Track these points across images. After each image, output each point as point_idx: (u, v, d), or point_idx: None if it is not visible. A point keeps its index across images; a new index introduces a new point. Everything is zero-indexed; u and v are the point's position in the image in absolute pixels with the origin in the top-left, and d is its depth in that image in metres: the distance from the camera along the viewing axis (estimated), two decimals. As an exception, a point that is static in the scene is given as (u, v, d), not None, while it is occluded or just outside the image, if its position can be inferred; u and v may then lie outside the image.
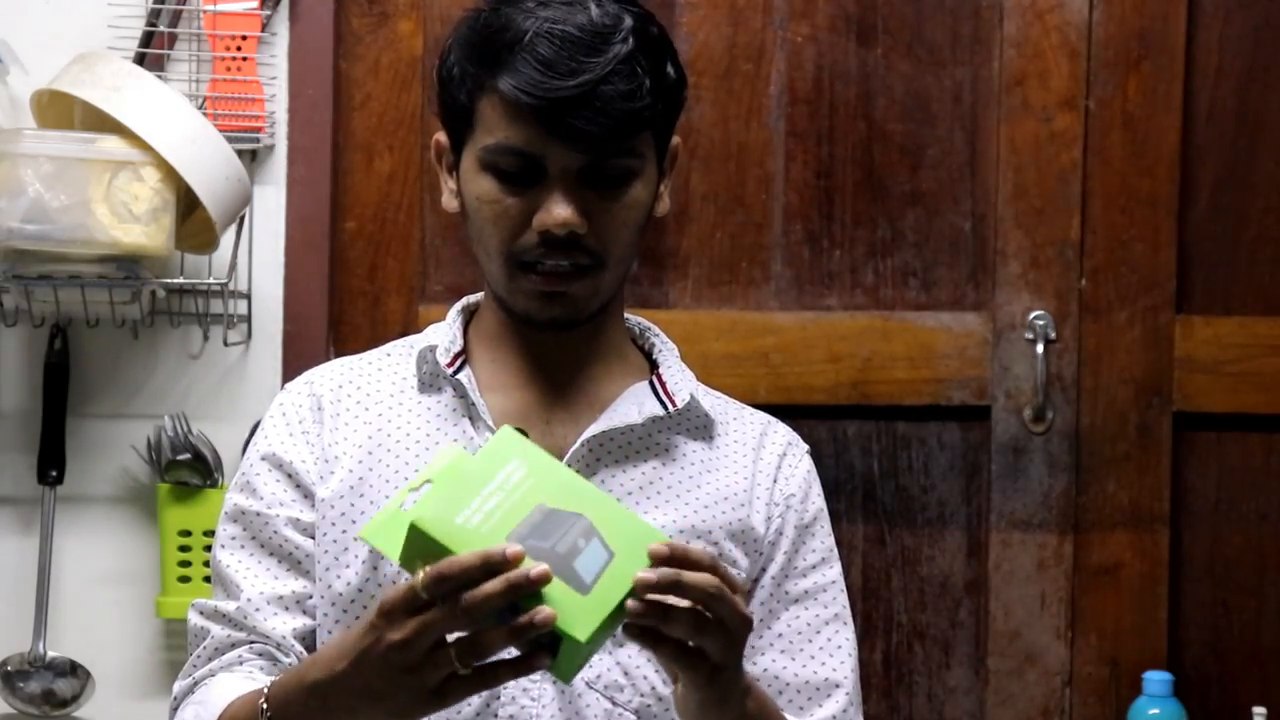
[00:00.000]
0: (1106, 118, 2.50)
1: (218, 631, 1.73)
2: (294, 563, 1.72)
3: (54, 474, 2.40)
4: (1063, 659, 2.51)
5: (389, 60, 2.49)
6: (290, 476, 1.74)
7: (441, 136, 1.76)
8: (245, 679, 1.68)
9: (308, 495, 1.73)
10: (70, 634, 2.43)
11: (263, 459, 1.76)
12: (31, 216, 2.19)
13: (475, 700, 1.66)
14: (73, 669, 2.40)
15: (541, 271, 1.68)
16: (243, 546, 1.74)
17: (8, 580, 2.44)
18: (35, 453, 2.41)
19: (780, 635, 1.78)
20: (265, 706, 1.55)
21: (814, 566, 1.80)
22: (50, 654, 2.39)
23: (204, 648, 1.73)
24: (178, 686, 1.74)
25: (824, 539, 1.83)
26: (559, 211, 1.65)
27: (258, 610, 1.71)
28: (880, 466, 2.53)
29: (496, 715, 1.66)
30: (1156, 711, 2.36)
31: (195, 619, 1.75)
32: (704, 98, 2.49)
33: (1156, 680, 2.37)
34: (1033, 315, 2.50)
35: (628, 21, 1.65)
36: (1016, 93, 2.50)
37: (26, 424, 2.42)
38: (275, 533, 1.73)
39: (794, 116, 2.52)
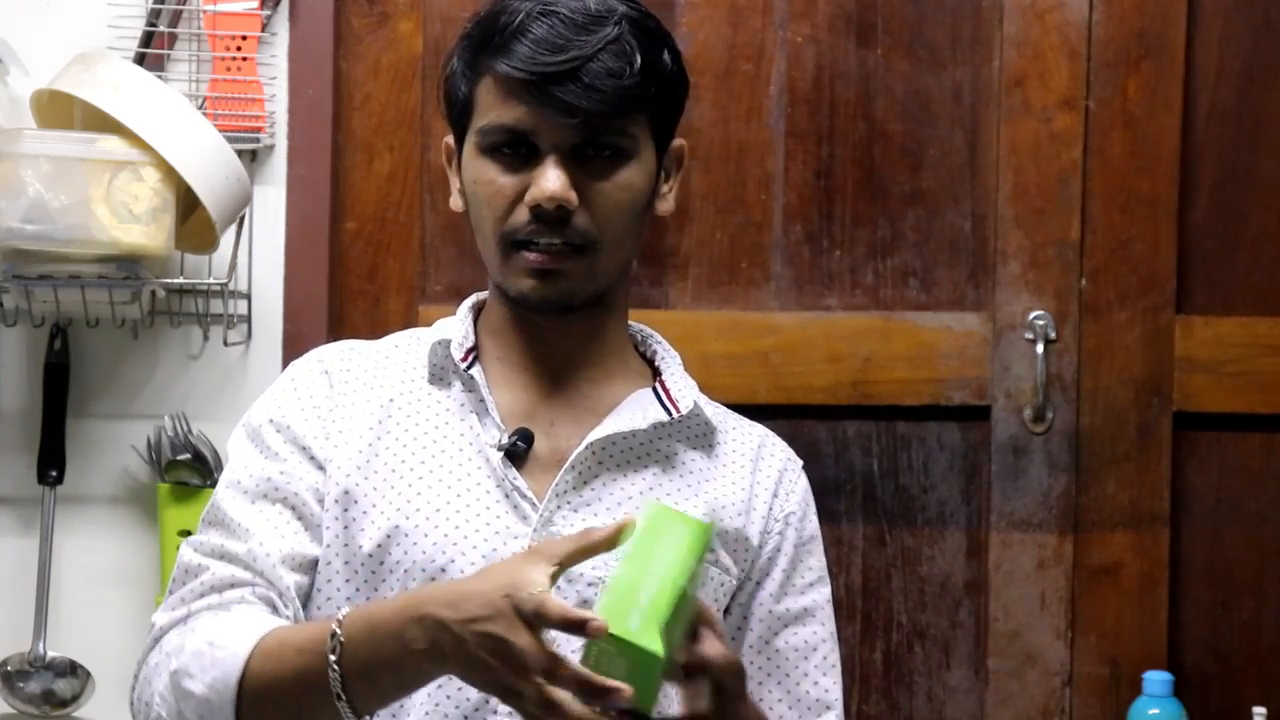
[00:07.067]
0: (1106, 118, 2.50)
1: (219, 569, 1.69)
2: (312, 527, 1.72)
3: (54, 474, 2.40)
4: (1063, 659, 2.51)
5: (389, 60, 2.49)
6: (304, 449, 1.75)
7: (450, 139, 1.81)
8: (271, 616, 1.66)
9: (321, 467, 1.74)
10: (70, 634, 2.42)
11: (276, 429, 1.76)
12: (31, 216, 2.19)
13: (474, 695, 1.67)
14: (73, 669, 2.40)
15: (534, 248, 1.70)
16: (254, 502, 1.73)
17: (8, 580, 2.44)
18: (35, 453, 2.40)
19: (777, 651, 1.80)
20: (338, 630, 1.52)
21: (811, 585, 1.84)
22: (50, 654, 2.39)
23: (199, 582, 1.70)
24: (164, 618, 1.70)
25: (819, 558, 1.87)
26: (548, 185, 1.68)
27: (269, 556, 1.69)
28: (880, 466, 2.53)
29: (496, 711, 1.67)
30: (1156, 711, 2.36)
31: (190, 555, 1.72)
32: (704, 98, 2.49)
33: (1156, 680, 2.36)
34: (1033, 315, 2.50)
35: (622, 9, 1.71)
36: (1016, 93, 2.50)
37: (26, 424, 2.42)
38: (296, 494, 1.72)
39: (794, 116, 2.52)
